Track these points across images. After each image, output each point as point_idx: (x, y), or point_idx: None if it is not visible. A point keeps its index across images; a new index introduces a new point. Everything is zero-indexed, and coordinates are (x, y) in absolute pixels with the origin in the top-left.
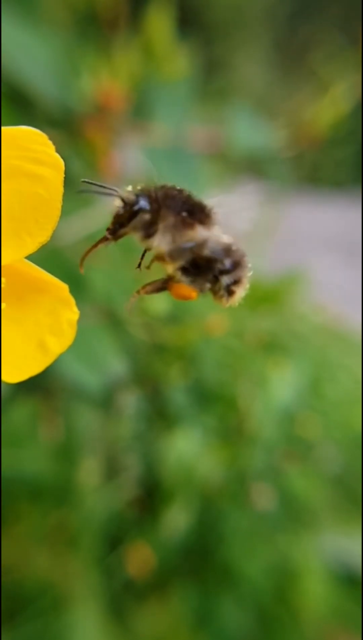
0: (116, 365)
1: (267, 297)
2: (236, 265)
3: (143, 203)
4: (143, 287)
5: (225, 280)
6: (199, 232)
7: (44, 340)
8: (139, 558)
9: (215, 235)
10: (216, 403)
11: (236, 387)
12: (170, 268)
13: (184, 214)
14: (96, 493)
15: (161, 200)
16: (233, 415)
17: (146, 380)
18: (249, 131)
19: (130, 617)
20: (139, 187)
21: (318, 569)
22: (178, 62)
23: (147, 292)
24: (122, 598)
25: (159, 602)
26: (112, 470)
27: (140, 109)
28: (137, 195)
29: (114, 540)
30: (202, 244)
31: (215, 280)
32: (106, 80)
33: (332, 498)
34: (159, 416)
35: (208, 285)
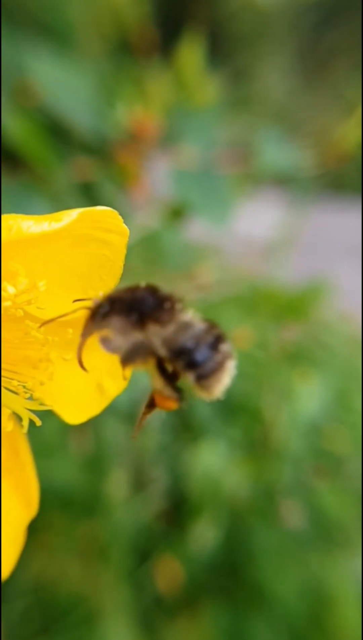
0: (144, 377)
1: (292, 307)
2: (208, 357)
3: (100, 309)
4: (142, 415)
5: (193, 375)
6: (151, 331)
7: (102, 382)
8: (168, 573)
9: (174, 330)
10: (241, 415)
11: (261, 399)
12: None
13: (133, 315)
14: (124, 505)
15: (112, 304)
16: (258, 427)
17: None
18: (277, 152)
19: (160, 632)
20: (107, 293)
21: (352, 593)
22: (208, 89)
23: (146, 416)
24: (153, 613)
25: (190, 619)
26: (139, 482)
27: (171, 135)
28: (98, 301)
29: (143, 553)
30: (154, 344)
31: (176, 377)
32: (139, 110)
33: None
34: (185, 428)
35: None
